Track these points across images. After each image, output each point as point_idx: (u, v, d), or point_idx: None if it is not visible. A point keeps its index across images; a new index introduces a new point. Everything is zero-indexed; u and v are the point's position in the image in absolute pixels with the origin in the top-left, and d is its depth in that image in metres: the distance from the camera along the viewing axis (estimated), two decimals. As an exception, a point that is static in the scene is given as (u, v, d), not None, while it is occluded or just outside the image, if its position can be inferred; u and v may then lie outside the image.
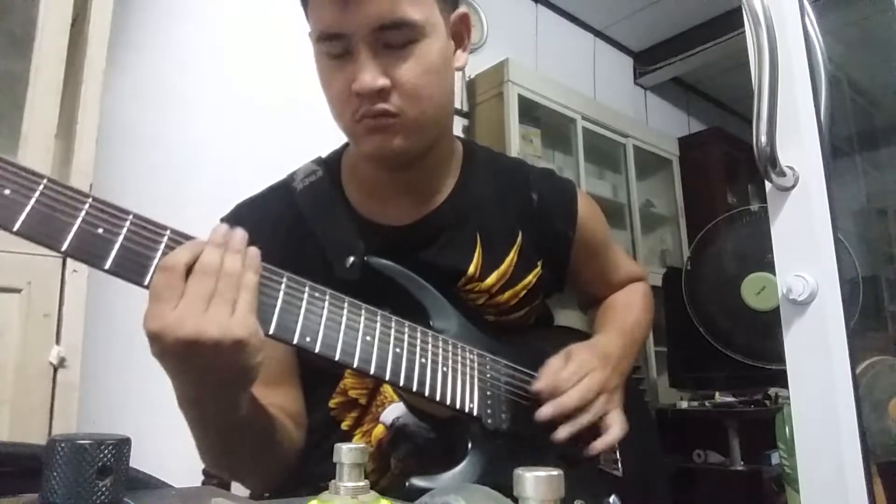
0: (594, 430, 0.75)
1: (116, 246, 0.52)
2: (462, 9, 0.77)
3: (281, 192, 0.83)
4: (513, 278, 0.83)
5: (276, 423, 0.70)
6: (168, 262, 0.53)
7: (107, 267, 0.52)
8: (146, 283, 0.53)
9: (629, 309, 0.96)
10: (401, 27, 0.67)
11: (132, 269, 0.53)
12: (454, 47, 0.76)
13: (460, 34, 0.77)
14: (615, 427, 0.76)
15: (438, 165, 0.82)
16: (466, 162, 0.86)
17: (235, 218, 0.82)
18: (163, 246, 0.55)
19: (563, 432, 0.72)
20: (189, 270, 0.53)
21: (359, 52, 0.67)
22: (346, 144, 0.87)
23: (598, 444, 0.75)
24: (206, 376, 0.55)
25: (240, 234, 0.58)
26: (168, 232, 0.56)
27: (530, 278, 0.85)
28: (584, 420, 0.73)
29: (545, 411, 0.72)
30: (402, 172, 0.78)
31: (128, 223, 0.53)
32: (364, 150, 0.74)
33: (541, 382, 0.74)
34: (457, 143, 0.87)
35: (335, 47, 0.68)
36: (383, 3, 0.65)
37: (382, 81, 0.67)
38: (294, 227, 0.79)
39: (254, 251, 0.58)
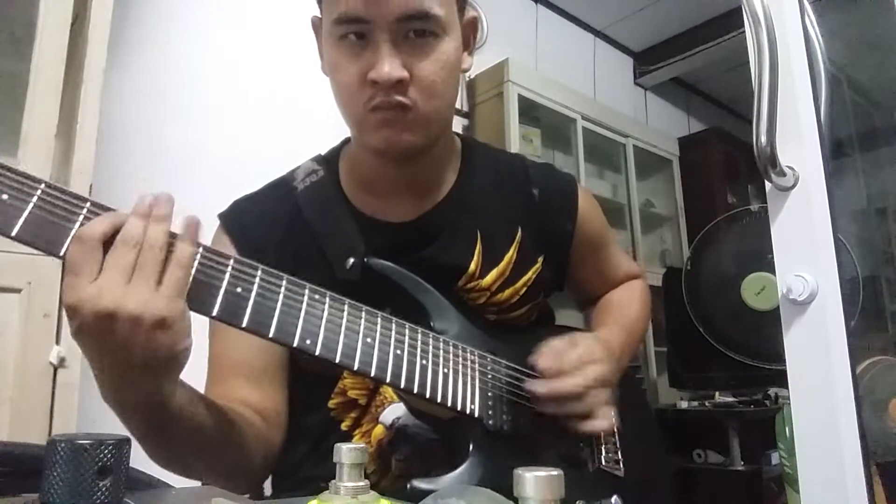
0: (584, 416, 0.73)
1: None
2: (472, 13, 0.77)
3: (281, 191, 0.83)
4: (512, 275, 0.83)
5: (234, 421, 0.66)
6: (83, 232, 0.50)
7: None
8: None
9: (628, 306, 0.96)
10: (424, 19, 0.67)
11: None
12: (462, 48, 0.76)
13: (468, 37, 0.78)
14: (604, 419, 0.74)
15: (439, 161, 0.82)
16: (466, 158, 0.86)
17: (233, 215, 0.81)
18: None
19: (546, 409, 0.71)
20: (108, 242, 0.51)
21: (379, 41, 0.66)
22: (345, 141, 0.87)
23: (586, 426, 0.73)
24: (125, 356, 0.51)
25: (165, 199, 0.54)
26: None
27: (530, 275, 0.84)
28: (576, 408, 0.72)
29: (538, 387, 0.71)
30: (403, 168, 0.78)
31: None
32: (371, 142, 0.73)
33: (544, 361, 0.73)
34: (456, 140, 0.87)
35: (353, 31, 0.67)
36: None
37: (401, 73, 0.66)
38: (294, 226, 0.79)
39: (193, 220, 0.55)
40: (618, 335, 0.85)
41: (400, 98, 0.68)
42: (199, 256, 0.55)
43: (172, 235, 0.54)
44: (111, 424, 0.52)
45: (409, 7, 0.65)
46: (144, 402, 0.54)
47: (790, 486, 1.72)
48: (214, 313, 0.55)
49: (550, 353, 0.73)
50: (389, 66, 0.65)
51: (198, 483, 0.68)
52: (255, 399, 0.73)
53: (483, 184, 0.85)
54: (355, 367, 0.61)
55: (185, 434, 0.60)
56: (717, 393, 2.66)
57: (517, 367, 0.76)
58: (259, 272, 0.58)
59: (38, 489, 0.37)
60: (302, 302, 0.60)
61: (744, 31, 0.61)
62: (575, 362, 0.73)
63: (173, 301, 0.51)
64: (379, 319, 0.65)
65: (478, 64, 2.68)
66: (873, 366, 1.17)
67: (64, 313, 0.51)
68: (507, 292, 0.82)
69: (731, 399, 2.60)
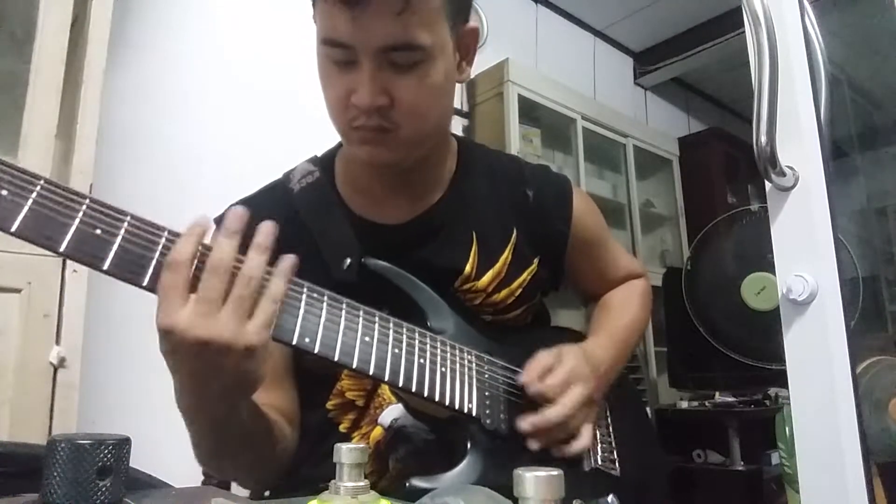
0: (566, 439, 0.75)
1: (115, 247, 0.52)
2: (472, 23, 0.76)
3: (277, 193, 0.83)
4: (507, 277, 0.83)
5: (272, 424, 0.70)
6: (173, 258, 0.52)
7: (105, 268, 0.52)
8: (144, 283, 0.53)
9: (624, 310, 0.95)
10: (408, 50, 0.66)
11: (130, 269, 0.53)
12: (460, 59, 0.76)
13: (467, 47, 0.77)
14: (581, 440, 0.75)
15: (433, 164, 0.82)
16: (461, 159, 0.87)
17: None
18: (160, 246, 0.54)
19: (533, 446, 0.72)
20: (193, 260, 0.52)
21: (362, 65, 0.66)
22: (341, 143, 0.87)
23: (563, 451, 0.74)
24: (211, 379, 0.54)
25: (267, 229, 0.57)
26: (165, 233, 0.55)
27: (525, 276, 0.84)
28: (559, 437, 0.73)
29: (524, 426, 0.71)
30: (395, 173, 0.78)
31: (125, 224, 0.53)
32: (356, 155, 0.75)
33: (527, 376, 0.73)
34: (452, 141, 0.87)
35: (338, 54, 0.67)
36: (394, 24, 0.63)
37: (381, 101, 0.66)
38: (290, 228, 0.79)
39: (290, 257, 0.58)
40: (609, 347, 0.85)
41: (379, 122, 0.68)
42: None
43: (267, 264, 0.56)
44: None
45: (395, 38, 0.65)
46: (220, 415, 0.58)
47: (790, 486, 1.72)
48: None
49: (535, 369, 0.74)
50: (369, 96, 0.66)
51: (198, 483, 0.68)
52: (272, 402, 0.74)
53: (478, 185, 0.86)
54: (354, 366, 0.61)
55: (242, 439, 0.63)
56: (717, 393, 2.66)
57: (514, 367, 0.76)
58: None
59: (38, 489, 0.37)
60: (301, 300, 0.60)
61: (744, 31, 0.61)
62: (558, 386, 0.73)
63: (263, 331, 0.54)
64: (377, 319, 0.65)
65: (478, 64, 2.66)
66: (873, 366, 1.17)
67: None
68: (503, 293, 0.82)
69: (731, 399, 2.61)
